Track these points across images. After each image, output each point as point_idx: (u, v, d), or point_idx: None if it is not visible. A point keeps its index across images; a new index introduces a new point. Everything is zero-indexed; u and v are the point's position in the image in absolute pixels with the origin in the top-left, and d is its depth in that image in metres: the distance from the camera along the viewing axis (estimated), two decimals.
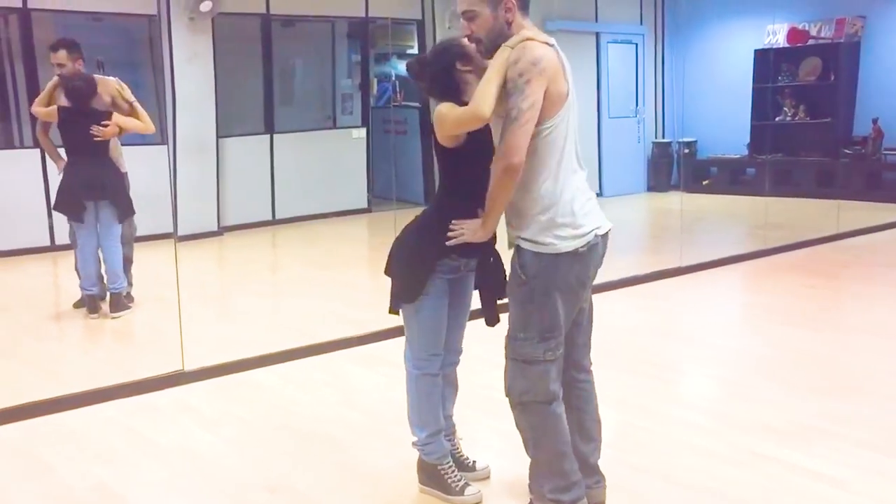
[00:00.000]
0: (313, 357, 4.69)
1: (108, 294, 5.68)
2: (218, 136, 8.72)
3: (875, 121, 9.96)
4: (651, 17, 11.98)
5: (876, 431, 3.52)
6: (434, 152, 2.83)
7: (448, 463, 2.99)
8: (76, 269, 5.66)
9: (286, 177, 9.44)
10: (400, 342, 4.82)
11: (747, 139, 10.97)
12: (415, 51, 10.96)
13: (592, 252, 2.60)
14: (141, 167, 7.73)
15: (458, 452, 3.14)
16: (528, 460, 2.75)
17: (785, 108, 10.80)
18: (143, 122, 5.64)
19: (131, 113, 5.60)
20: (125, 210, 5.65)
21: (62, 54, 5.56)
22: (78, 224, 5.52)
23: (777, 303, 5.89)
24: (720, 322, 5.62)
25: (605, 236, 2.67)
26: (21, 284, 7.01)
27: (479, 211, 2.66)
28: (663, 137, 12.01)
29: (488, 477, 3.15)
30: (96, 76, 5.70)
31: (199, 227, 8.52)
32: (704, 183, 11.24)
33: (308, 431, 3.65)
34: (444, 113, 2.66)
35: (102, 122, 5.44)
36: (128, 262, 5.78)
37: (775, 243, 7.61)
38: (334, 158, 9.88)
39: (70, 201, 5.49)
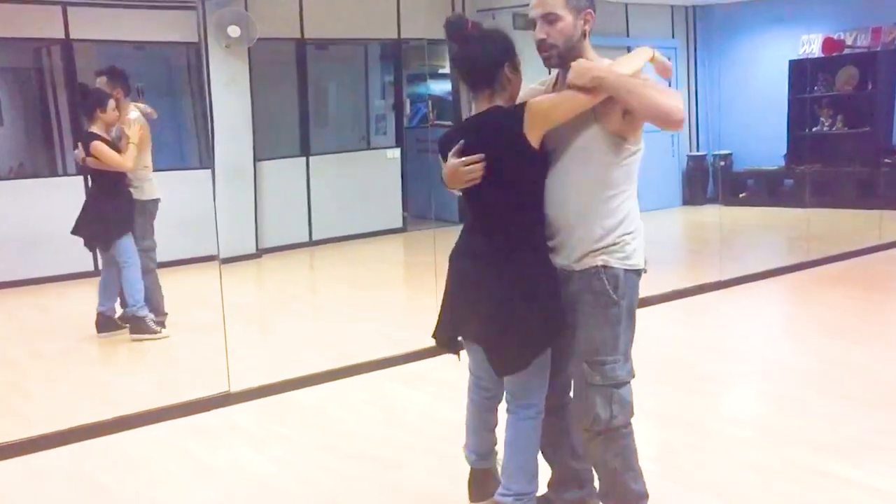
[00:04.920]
0: (356, 377, 4.70)
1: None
2: (255, 160, 8.83)
3: None
4: (683, 30, 11.95)
5: None
6: (513, 180, 2.54)
7: None
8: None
9: (322, 198, 9.52)
10: (444, 360, 4.88)
11: (784, 150, 10.86)
12: (447, 71, 11.03)
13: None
14: (183, 191, 7.89)
15: None
16: None
17: (822, 119, 10.69)
18: (116, 158, 5.51)
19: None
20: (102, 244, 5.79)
21: (102, 80, 5.73)
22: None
23: (822, 315, 5.82)
24: (764, 335, 5.55)
25: None
26: (67, 309, 7.13)
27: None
28: (698, 150, 11.93)
29: None
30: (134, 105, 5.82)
31: (238, 250, 8.63)
32: (741, 195, 11.14)
33: (355, 451, 3.67)
34: (562, 99, 2.47)
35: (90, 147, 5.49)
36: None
37: (817, 255, 7.51)
38: (369, 179, 9.95)
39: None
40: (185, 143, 9.56)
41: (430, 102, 11.63)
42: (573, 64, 2.46)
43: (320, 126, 10.36)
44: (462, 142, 2.57)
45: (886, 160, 10.12)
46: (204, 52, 8.51)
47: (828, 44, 10.61)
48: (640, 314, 2.72)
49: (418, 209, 10.77)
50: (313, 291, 7.70)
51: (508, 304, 2.54)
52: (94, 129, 5.61)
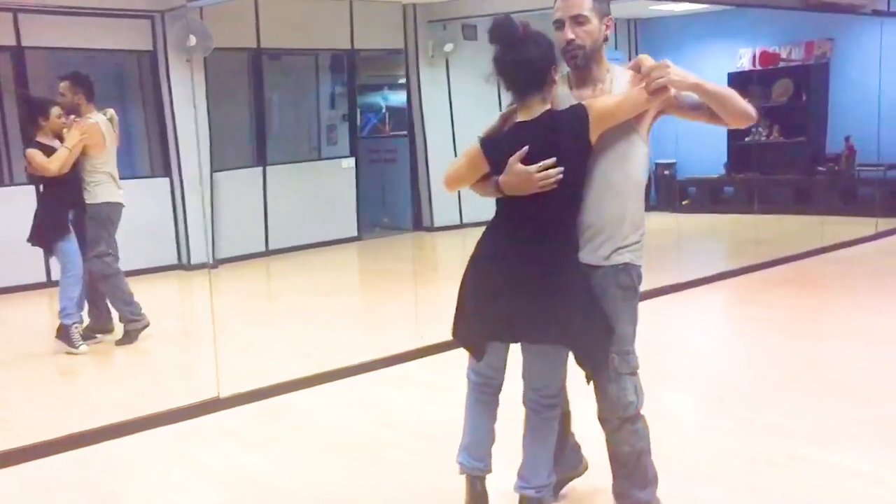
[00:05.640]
0: (342, 380, 4.75)
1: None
2: (213, 171, 8.77)
3: (847, 138, 10.33)
4: (625, 42, 12.30)
5: None
6: (575, 177, 2.56)
7: None
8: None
9: (278, 208, 9.52)
10: (424, 363, 5.00)
11: (724, 159, 11.29)
12: (403, 81, 11.14)
13: None
14: (134, 200, 7.78)
15: None
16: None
17: (760, 129, 11.12)
18: (40, 162, 5.50)
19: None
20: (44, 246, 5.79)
21: (65, 85, 5.70)
22: None
23: (776, 315, 6.09)
24: (725, 334, 5.81)
25: None
26: (25, 320, 6.99)
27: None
28: None
29: None
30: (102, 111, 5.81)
31: (195, 259, 8.60)
32: (684, 202, 11.52)
33: (354, 451, 3.73)
34: (624, 100, 2.55)
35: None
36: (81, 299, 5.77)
37: (763, 258, 7.85)
38: (324, 189, 9.99)
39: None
40: (137, 153, 9.44)
41: (386, 114, 11.74)
42: (668, 67, 2.50)
43: (273, 136, 10.36)
44: (526, 147, 2.54)
45: (820, 168, 10.62)
46: (164, 62, 8.45)
47: (763, 57, 11.08)
48: None
49: (371, 218, 10.85)
50: (280, 299, 7.68)
51: (584, 305, 2.60)
52: (39, 137, 5.61)
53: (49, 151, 5.52)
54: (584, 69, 2.66)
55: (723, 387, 4.60)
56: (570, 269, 2.61)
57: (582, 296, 2.61)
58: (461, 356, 2.88)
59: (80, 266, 5.62)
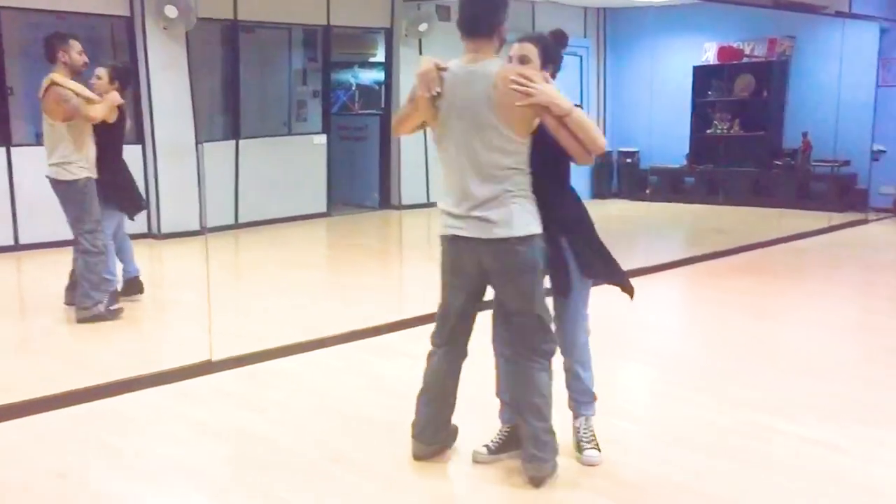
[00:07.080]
0: (327, 349, 4.88)
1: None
2: (197, 141, 8.79)
3: (805, 134, 10.71)
4: (594, 30, 12.53)
5: (860, 407, 4.00)
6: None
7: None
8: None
9: (249, 181, 9.55)
10: (406, 335, 5.17)
11: (686, 150, 11.62)
12: (373, 59, 11.19)
13: (451, 245, 3.20)
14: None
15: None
16: None
17: (715, 122, 11.48)
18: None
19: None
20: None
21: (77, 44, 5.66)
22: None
23: (736, 299, 6.39)
24: (690, 316, 6.08)
25: (463, 239, 3.17)
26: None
27: None
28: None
29: None
30: None
31: (181, 227, 8.63)
32: (647, 191, 11.83)
33: (348, 413, 3.88)
34: None
35: None
36: None
37: (723, 247, 8.17)
38: (295, 164, 10.04)
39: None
40: None
41: (356, 91, 11.82)
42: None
43: (246, 110, 10.37)
44: None
45: (777, 162, 11.01)
46: (140, 29, 8.41)
47: (723, 52, 11.41)
48: None
49: (340, 195, 10.94)
50: (257, 270, 7.73)
51: None
52: None
53: None
54: None
55: (691, 363, 4.84)
56: None
57: None
58: None
59: None
